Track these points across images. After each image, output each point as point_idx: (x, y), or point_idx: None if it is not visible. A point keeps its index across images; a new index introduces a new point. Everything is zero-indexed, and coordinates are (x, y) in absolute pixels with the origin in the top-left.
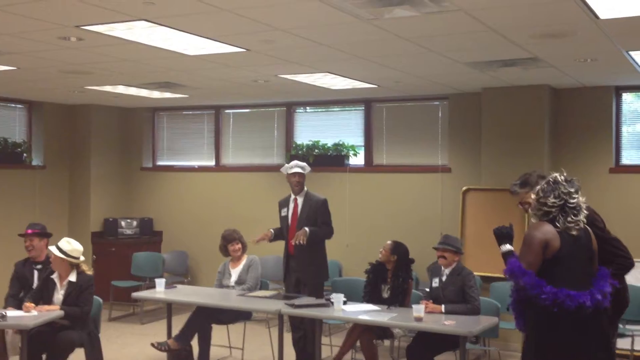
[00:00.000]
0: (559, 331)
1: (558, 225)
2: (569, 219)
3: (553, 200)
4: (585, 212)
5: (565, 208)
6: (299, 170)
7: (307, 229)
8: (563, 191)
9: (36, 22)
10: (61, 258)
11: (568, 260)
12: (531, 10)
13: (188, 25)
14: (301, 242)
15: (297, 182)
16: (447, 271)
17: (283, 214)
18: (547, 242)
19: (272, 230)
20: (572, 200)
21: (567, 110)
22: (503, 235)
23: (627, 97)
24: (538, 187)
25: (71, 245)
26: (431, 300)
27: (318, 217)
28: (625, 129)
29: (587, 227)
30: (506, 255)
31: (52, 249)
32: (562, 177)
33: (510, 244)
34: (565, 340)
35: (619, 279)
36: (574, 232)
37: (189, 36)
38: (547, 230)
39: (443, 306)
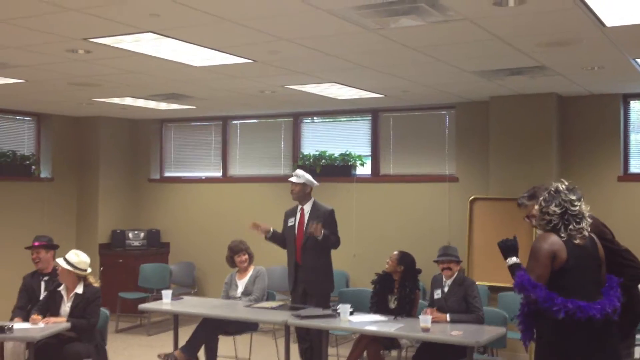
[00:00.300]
0: (570, 342)
1: (562, 234)
2: (571, 226)
3: (554, 208)
4: (588, 220)
5: (567, 216)
6: (292, 179)
7: (323, 230)
8: (564, 199)
9: (43, 34)
10: (68, 270)
11: (576, 271)
12: (537, 18)
13: (194, 36)
14: (318, 231)
15: (291, 190)
16: (448, 282)
17: (290, 223)
18: (555, 254)
19: (272, 229)
20: (573, 208)
21: (575, 118)
22: (508, 248)
23: (635, 105)
24: (540, 198)
25: (79, 258)
26: (435, 308)
27: (325, 227)
28: (633, 137)
29: (593, 235)
30: (513, 268)
31: (60, 261)
32: (564, 186)
33: (516, 256)
34: (576, 351)
35: (631, 291)
36: (579, 241)
37: (195, 47)
38: (554, 242)
39: (448, 315)
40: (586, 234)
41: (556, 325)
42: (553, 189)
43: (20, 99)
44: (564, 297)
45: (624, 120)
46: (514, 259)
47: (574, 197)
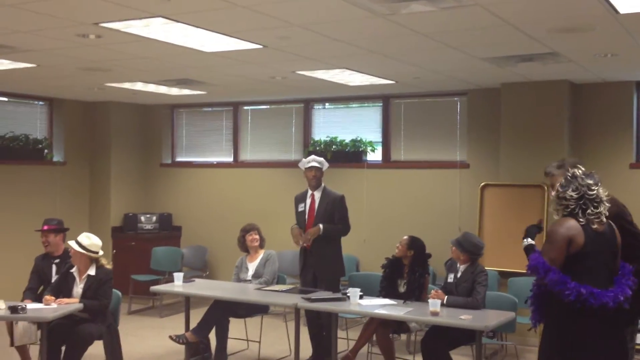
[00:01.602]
0: (579, 328)
1: (580, 219)
2: (589, 211)
3: (571, 193)
4: (606, 204)
5: (584, 200)
6: (315, 164)
7: (320, 226)
8: (581, 183)
9: (54, 19)
10: (80, 252)
11: (592, 257)
12: (549, 4)
13: (204, 21)
14: (307, 244)
15: (313, 176)
16: (462, 268)
17: (300, 209)
18: (571, 238)
19: (297, 226)
20: (590, 192)
21: (587, 105)
22: (528, 230)
23: None
24: (557, 184)
25: (90, 240)
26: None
27: (336, 213)
28: None
29: (611, 222)
30: (527, 249)
31: (72, 243)
32: (580, 171)
33: (533, 238)
34: (585, 337)
35: None
36: (597, 226)
37: (205, 33)
38: (571, 226)
39: (446, 297)
40: (604, 219)
41: (567, 309)
42: (570, 174)
43: (32, 83)
44: (577, 282)
45: (636, 108)
46: (528, 240)
47: (591, 182)
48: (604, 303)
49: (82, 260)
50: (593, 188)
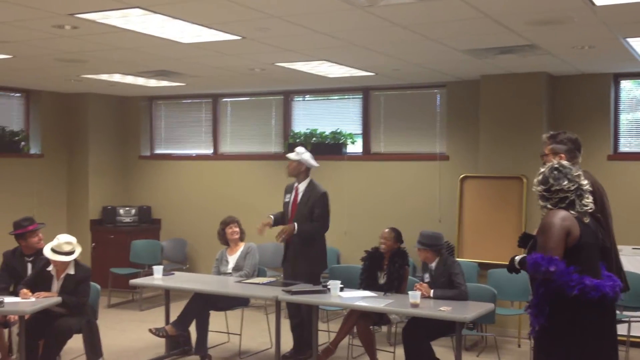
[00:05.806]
0: (583, 320)
1: (574, 211)
2: (584, 201)
3: (568, 184)
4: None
5: (579, 192)
6: (289, 155)
7: (295, 225)
8: (575, 174)
9: (30, 10)
10: (68, 261)
11: (588, 249)
12: None
13: (182, 12)
14: (281, 240)
15: (287, 165)
16: (434, 265)
17: (286, 199)
18: (569, 229)
19: (271, 216)
20: (584, 182)
21: (566, 97)
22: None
23: (625, 84)
24: (544, 176)
25: (72, 245)
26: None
27: (315, 209)
28: (623, 116)
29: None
30: (522, 261)
31: (59, 257)
32: (565, 162)
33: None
34: (589, 328)
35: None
36: (587, 219)
37: (183, 23)
38: (567, 217)
39: (432, 291)
40: (592, 208)
41: (570, 303)
42: (557, 165)
43: (8, 74)
44: (578, 275)
45: (614, 100)
46: (520, 256)
47: (580, 172)
48: (604, 293)
49: (64, 264)
50: (583, 179)
